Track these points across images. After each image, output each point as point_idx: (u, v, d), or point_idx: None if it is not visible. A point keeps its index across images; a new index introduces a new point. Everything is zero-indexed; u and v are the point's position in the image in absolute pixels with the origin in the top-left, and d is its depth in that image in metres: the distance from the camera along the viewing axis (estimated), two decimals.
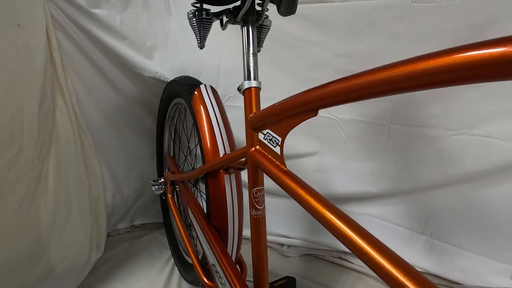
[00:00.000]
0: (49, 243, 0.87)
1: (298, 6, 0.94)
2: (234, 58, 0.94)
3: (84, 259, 0.97)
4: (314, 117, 1.12)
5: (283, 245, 1.10)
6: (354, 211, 1.05)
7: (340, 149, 1.02)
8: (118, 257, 1.06)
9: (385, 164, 0.97)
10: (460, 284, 0.88)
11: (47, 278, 0.86)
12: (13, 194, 0.76)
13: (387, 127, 0.94)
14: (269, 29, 0.60)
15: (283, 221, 1.12)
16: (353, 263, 1.02)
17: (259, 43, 0.61)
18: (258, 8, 0.55)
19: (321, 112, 1.16)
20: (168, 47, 1.08)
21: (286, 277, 0.77)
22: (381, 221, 1.01)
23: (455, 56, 0.20)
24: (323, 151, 1.06)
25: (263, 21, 0.56)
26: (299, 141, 1.07)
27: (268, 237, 1.11)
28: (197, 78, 1.10)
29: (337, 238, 0.34)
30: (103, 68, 0.98)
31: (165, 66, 1.04)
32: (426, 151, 0.90)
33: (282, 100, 0.42)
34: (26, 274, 0.81)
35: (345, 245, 0.33)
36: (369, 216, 1.03)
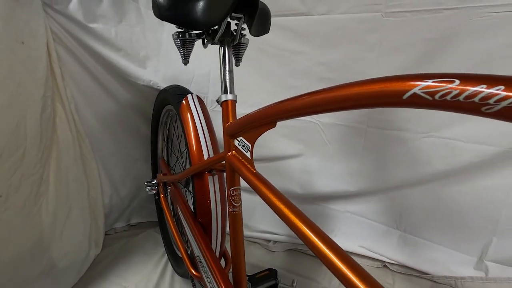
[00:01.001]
0: (51, 240, 0.94)
1: (282, 18, 1.02)
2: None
3: (84, 256, 1.05)
4: (298, 121, 1.20)
5: (269, 241, 1.17)
6: (336, 209, 1.12)
7: (322, 151, 1.10)
8: (115, 253, 1.13)
9: (363, 164, 1.05)
10: (429, 274, 0.96)
11: (49, 272, 0.93)
12: (17, 195, 0.83)
13: (364, 130, 1.02)
14: (247, 46, 0.67)
15: (269, 219, 1.19)
16: None
17: (238, 58, 0.68)
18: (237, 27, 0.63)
19: (305, 117, 1.24)
20: (161, 56, 1.15)
21: (268, 269, 0.84)
22: (360, 218, 1.09)
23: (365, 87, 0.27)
24: (307, 153, 1.13)
25: (240, 40, 0.63)
26: (285, 144, 1.14)
27: (256, 234, 1.20)
28: (189, 85, 1.18)
29: (292, 230, 0.41)
30: (99, 78, 1.05)
31: (158, 75, 1.11)
32: (399, 152, 0.97)
33: (251, 112, 0.49)
34: (30, 269, 0.88)
35: (298, 236, 0.40)
36: (350, 214, 1.10)
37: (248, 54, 1.10)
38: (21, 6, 0.78)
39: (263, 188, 0.47)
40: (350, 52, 0.97)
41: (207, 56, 1.16)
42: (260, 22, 0.55)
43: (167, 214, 0.89)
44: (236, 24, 0.56)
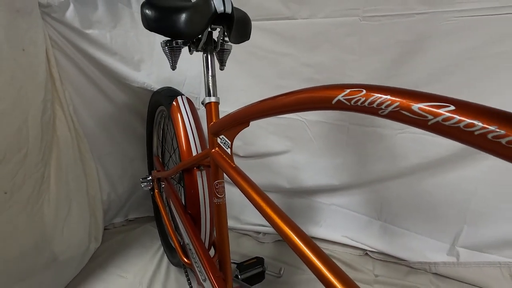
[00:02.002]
0: (53, 235, 1.00)
1: (269, 22, 1.08)
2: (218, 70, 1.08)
3: (84, 249, 1.11)
4: (285, 119, 1.27)
5: (259, 233, 1.24)
6: (322, 202, 1.19)
7: (308, 148, 1.16)
8: (114, 247, 1.20)
9: (346, 159, 1.11)
10: (406, 261, 1.03)
11: (52, 264, 0.99)
12: (21, 193, 0.89)
13: (347, 127, 1.08)
14: (230, 52, 0.73)
15: (259, 213, 1.25)
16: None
17: (222, 63, 0.74)
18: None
19: (292, 115, 1.29)
20: (154, 60, 1.21)
21: (256, 258, 0.91)
22: (344, 210, 1.15)
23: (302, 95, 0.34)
24: (294, 150, 1.19)
25: (223, 47, 0.69)
26: (273, 141, 1.20)
27: (247, 226, 1.27)
28: (181, 86, 1.24)
29: (265, 219, 0.47)
30: (96, 81, 1.11)
31: (151, 77, 1.17)
32: (379, 147, 1.04)
33: (229, 113, 0.55)
34: (34, 261, 0.94)
35: (270, 224, 0.45)
36: (335, 206, 1.17)
37: (239, 57, 1.17)
38: (22, 16, 0.84)
39: (240, 180, 0.53)
40: (333, 54, 1.02)
41: (198, 60, 1.23)
42: (238, 31, 0.61)
43: (161, 208, 0.96)
44: (219, 32, 0.62)
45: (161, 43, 0.66)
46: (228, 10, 0.52)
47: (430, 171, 0.96)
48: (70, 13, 0.98)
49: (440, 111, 0.21)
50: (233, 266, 0.85)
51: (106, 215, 1.28)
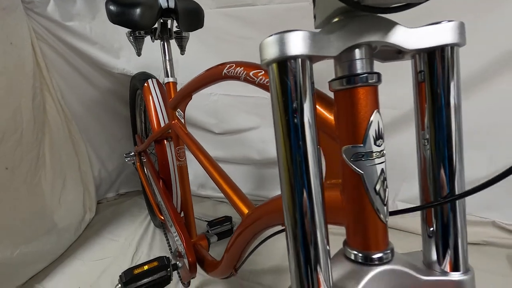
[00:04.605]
0: (52, 205, 1.15)
1: (232, 8, 1.19)
2: (190, 54, 1.19)
3: (80, 218, 1.27)
4: (253, 98, 1.42)
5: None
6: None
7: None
8: (107, 217, 1.36)
9: None
10: None
11: (53, 231, 1.15)
12: (20, 168, 1.03)
13: None
14: (188, 38, 0.85)
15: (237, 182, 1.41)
16: None
17: (182, 48, 0.86)
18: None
19: (258, 94, 1.41)
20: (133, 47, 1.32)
21: (225, 216, 1.06)
22: None
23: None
24: (263, 125, 1.33)
25: (181, 34, 0.81)
26: (245, 118, 1.34)
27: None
28: (159, 72, 1.36)
29: (205, 171, 0.61)
30: (80, 69, 1.23)
31: (130, 64, 1.29)
32: None
33: (179, 90, 0.68)
34: (36, 228, 1.09)
35: (208, 175, 0.59)
36: None
37: (208, 42, 1.28)
38: (8, 13, 0.95)
39: (191, 145, 0.67)
40: None
41: (175, 45, 1.34)
42: (187, 21, 0.73)
43: (142, 178, 1.10)
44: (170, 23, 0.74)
45: (126, 33, 0.78)
46: (171, 5, 0.64)
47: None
48: (51, 7, 1.09)
49: (258, 75, 0.34)
50: (205, 224, 1.00)
51: (99, 189, 1.44)
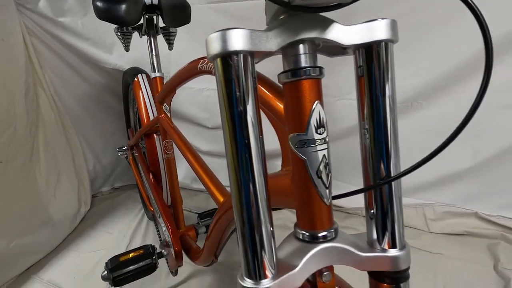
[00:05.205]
0: (47, 199, 1.18)
1: (223, 4, 1.20)
2: (181, 48, 1.21)
3: (75, 211, 1.30)
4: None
5: None
6: (275, 163, 1.35)
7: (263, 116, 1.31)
8: (102, 210, 1.39)
9: None
10: (343, 207, 1.21)
11: (48, 224, 1.17)
12: (15, 162, 1.05)
13: None
14: (175, 34, 0.87)
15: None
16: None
17: (170, 44, 0.87)
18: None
19: None
20: None
21: (215, 208, 1.09)
22: None
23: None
24: None
25: (169, 30, 0.83)
26: None
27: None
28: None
29: (187, 162, 0.63)
30: (73, 64, 1.25)
31: (122, 59, 1.30)
32: None
33: (164, 84, 0.70)
34: (32, 220, 1.12)
35: (190, 166, 0.62)
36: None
37: (199, 37, 1.29)
38: None
39: (176, 137, 0.69)
40: None
41: (163, 42, 1.36)
42: (172, 17, 0.75)
43: (134, 171, 1.13)
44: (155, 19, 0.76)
45: (114, 29, 0.80)
46: (155, 1, 0.65)
47: None
48: (43, 3, 1.11)
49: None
50: (195, 216, 1.03)
51: (94, 183, 1.47)
